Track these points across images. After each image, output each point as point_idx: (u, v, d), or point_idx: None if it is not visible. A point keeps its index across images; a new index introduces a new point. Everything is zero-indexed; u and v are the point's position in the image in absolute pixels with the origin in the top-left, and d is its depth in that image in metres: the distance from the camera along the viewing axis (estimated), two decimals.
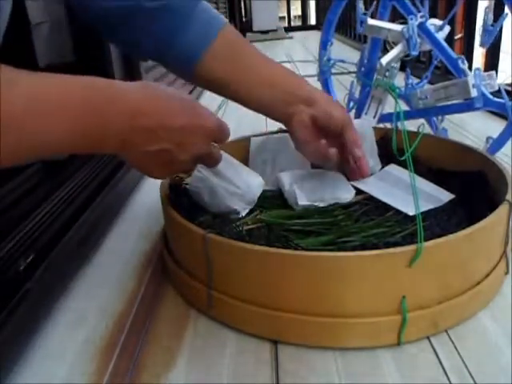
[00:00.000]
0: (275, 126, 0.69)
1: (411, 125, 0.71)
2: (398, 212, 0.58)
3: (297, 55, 3.18)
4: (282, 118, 0.59)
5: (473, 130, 1.17)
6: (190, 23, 0.56)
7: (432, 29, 0.84)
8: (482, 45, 0.83)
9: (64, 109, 0.37)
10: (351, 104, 0.99)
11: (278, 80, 0.59)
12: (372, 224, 0.57)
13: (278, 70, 0.60)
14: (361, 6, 0.92)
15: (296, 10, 7.31)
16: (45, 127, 0.36)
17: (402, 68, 0.92)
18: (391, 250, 0.46)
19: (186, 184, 0.63)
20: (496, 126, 0.93)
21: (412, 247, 0.44)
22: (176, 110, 0.44)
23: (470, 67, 1.04)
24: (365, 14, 0.91)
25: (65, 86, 0.38)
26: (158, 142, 0.43)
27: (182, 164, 0.47)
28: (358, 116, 0.97)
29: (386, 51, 0.88)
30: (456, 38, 1.56)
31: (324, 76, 1.06)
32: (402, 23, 0.87)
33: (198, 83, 0.61)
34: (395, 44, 0.86)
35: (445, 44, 0.84)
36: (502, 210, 0.51)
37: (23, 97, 0.34)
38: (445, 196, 0.61)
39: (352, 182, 0.64)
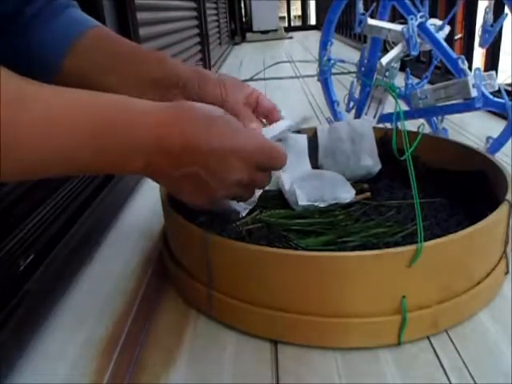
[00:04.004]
0: None
1: (411, 125, 0.71)
2: (398, 212, 0.58)
3: (297, 55, 3.18)
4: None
5: (473, 130, 1.17)
6: (50, 27, 0.52)
7: (432, 29, 0.85)
8: (481, 45, 0.83)
9: (80, 130, 0.35)
10: (351, 104, 0.99)
11: (145, 69, 0.53)
12: (372, 224, 0.57)
13: (145, 59, 0.55)
14: (360, 5, 0.92)
15: (296, 10, 7.31)
16: (59, 146, 0.34)
17: (402, 68, 0.92)
18: (391, 250, 0.46)
19: None
20: (496, 126, 0.93)
21: (412, 247, 0.44)
22: (206, 132, 0.39)
23: (470, 67, 1.04)
24: (363, 14, 0.91)
25: (83, 104, 0.36)
26: (182, 166, 0.39)
27: (216, 191, 0.41)
28: (358, 116, 0.97)
29: (385, 51, 0.88)
30: (456, 38, 1.56)
31: (324, 76, 1.06)
32: (401, 23, 0.87)
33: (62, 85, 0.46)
34: (395, 44, 0.87)
35: (445, 44, 0.84)
36: (502, 210, 0.51)
37: (37, 117, 0.33)
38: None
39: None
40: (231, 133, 0.41)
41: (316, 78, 1.08)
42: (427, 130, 0.94)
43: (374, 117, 0.91)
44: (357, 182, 0.70)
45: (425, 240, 0.44)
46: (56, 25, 0.53)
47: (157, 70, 0.53)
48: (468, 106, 0.80)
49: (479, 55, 1.76)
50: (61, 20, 0.53)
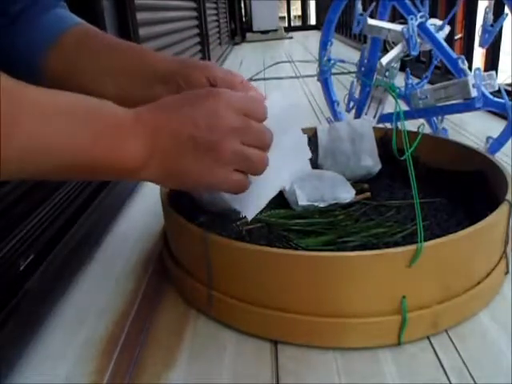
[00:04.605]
0: None
1: (411, 125, 0.71)
2: (398, 212, 0.58)
3: (297, 55, 3.19)
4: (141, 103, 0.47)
5: (473, 130, 1.17)
6: (32, 27, 0.53)
7: (432, 29, 0.85)
8: (481, 45, 0.83)
9: (76, 117, 0.36)
10: (351, 104, 0.99)
11: (125, 66, 0.53)
12: (372, 224, 0.57)
13: (127, 55, 0.54)
14: (359, 6, 0.92)
15: (296, 10, 7.32)
16: (59, 131, 0.35)
17: (402, 68, 0.92)
18: (391, 250, 0.46)
19: None
20: (496, 126, 0.93)
21: (412, 247, 0.44)
22: (184, 101, 0.42)
23: (470, 67, 1.04)
24: (362, 14, 0.91)
25: (70, 104, 0.37)
26: (179, 136, 0.40)
27: (221, 149, 0.40)
28: (358, 116, 0.97)
29: (386, 51, 0.88)
30: (456, 38, 1.56)
31: (324, 76, 1.06)
32: (401, 23, 0.87)
33: (46, 83, 0.47)
34: (395, 44, 0.87)
35: (445, 44, 0.84)
36: (502, 210, 0.51)
37: (30, 111, 0.33)
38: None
39: None
40: (211, 92, 0.42)
41: (316, 77, 1.08)
42: (427, 130, 0.94)
43: (374, 117, 0.91)
44: (357, 182, 0.70)
45: (425, 240, 0.44)
46: (42, 23, 0.53)
47: (134, 66, 0.53)
48: (468, 105, 0.80)
49: (479, 55, 1.76)
50: (47, 18, 0.53)
